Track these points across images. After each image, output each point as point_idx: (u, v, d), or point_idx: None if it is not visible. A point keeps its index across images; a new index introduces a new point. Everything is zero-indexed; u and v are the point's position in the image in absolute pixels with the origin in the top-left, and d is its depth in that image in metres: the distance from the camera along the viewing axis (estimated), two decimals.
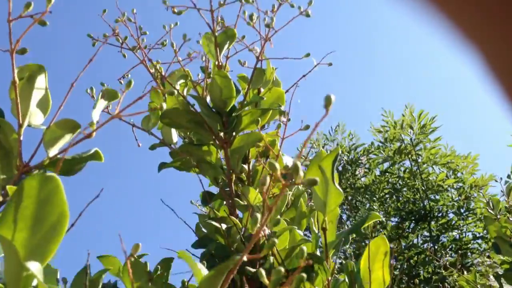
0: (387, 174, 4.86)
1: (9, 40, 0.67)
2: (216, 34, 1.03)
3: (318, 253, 0.99)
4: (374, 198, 4.76)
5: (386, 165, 4.96)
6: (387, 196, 4.81)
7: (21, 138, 0.68)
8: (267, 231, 1.03)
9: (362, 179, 4.98)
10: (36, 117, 0.71)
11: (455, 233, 4.41)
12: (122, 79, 1.17)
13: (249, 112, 1.05)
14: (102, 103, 0.72)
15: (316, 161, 0.95)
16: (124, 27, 1.12)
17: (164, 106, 1.12)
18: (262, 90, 1.14)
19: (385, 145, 4.95)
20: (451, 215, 4.50)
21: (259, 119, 1.04)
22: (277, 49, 1.21)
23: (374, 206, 4.73)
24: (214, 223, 0.99)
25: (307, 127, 1.00)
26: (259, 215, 0.44)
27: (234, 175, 1.07)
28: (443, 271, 4.12)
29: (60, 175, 0.53)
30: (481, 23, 0.13)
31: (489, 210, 2.10)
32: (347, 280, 0.98)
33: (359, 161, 5.06)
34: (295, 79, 1.19)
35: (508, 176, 3.27)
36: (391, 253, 1.04)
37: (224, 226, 1.01)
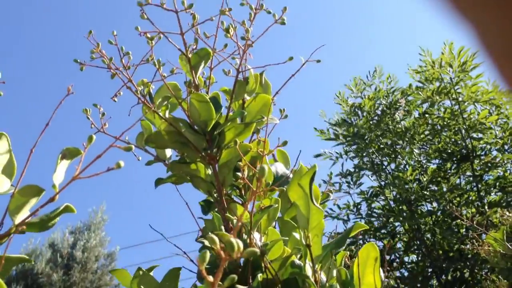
0: (426, 115, 4.73)
1: None
2: (190, 55, 1.02)
3: (308, 265, 1.01)
4: (414, 141, 4.68)
5: (425, 106, 4.82)
6: (428, 137, 4.71)
7: None
8: (259, 243, 1.05)
9: (402, 122, 4.87)
10: (2, 184, 0.74)
11: (499, 170, 4.30)
12: (115, 97, 1.19)
13: (232, 127, 1.05)
14: (63, 165, 0.75)
15: (296, 179, 0.95)
16: (108, 48, 1.12)
17: (153, 128, 1.13)
18: (248, 98, 1.13)
19: (424, 85, 4.79)
20: (494, 153, 4.37)
21: (242, 133, 1.04)
22: (264, 48, 1.18)
23: (414, 149, 4.66)
24: (205, 242, 1.02)
25: (285, 143, 1.00)
26: (234, 242, 0.46)
27: (224, 190, 1.09)
28: (487, 209, 4.07)
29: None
30: (474, 4, 0.14)
31: None
32: None
33: (398, 104, 4.94)
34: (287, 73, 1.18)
35: None
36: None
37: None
